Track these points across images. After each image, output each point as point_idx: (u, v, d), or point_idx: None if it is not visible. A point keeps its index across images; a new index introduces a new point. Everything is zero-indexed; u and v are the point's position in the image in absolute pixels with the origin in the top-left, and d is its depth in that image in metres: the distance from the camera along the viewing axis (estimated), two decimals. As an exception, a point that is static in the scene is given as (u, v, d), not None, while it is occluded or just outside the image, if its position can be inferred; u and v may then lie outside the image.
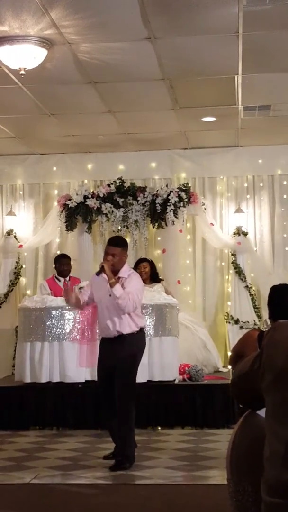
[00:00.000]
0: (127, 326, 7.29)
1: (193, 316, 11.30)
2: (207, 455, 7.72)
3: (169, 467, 7.30)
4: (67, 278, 10.73)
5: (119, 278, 7.28)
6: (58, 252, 11.89)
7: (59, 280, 10.72)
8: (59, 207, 11.67)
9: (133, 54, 7.75)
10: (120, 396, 7.23)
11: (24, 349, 9.50)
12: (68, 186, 12.33)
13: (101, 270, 7.28)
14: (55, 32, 7.08)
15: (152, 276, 10.69)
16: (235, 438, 3.36)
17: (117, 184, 11.60)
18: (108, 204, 11.48)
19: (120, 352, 7.25)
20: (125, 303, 7.15)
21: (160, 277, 10.88)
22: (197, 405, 9.22)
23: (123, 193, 11.55)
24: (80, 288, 9.86)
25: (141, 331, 7.48)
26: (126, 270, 7.42)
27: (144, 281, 10.18)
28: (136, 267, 10.42)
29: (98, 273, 7.37)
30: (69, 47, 7.52)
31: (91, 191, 11.69)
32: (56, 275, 10.83)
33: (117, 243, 7.46)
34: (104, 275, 7.29)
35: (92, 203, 11.46)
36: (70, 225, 11.59)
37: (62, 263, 10.84)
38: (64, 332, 9.41)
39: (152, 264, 10.80)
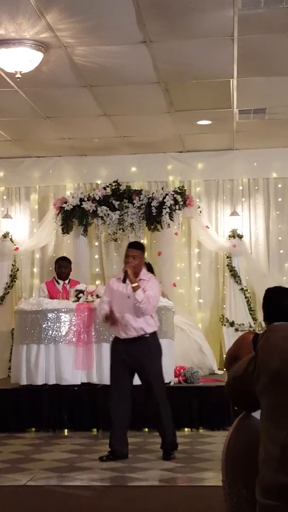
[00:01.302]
0: (150, 325, 7.65)
1: (189, 319, 11.31)
2: (203, 457, 7.73)
3: (165, 469, 7.30)
4: (67, 281, 10.74)
5: (140, 280, 7.60)
6: (54, 255, 11.90)
7: (58, 283, 10.72)
8: (55, 210, 11.68)
9: (129, 57, 7.77)
10: (157, 396, 7.63)
11: (20, 351, 9.50)
12: (64, 189, 12.32)
13: (125, 275, 7.57)
14: (51, 35, 7.10)
15: None
16: (230, 440, 3.38)
17: (113, 187, 11.61)
18: (104, 207, 11.49)
19: (146, 352, 7.60)
20: (145, 307, 7.49)
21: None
22: (192, 407, 9.23)
23: (119, 196, 11.56)
24: (76, 291, 9.90)
25: (156, 332, 7.84)
26: (145, 273, 7.80)
27: None
28: None
29: (124, 280, 7.62)
30: (64, 51, 7.54)
31: (87, 194, 11.70)
32: (56, 278, 10.84)
33: (137, 246, 7.88)
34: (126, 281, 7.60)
35: (88, 206, 11.47)
36: (66, 228, 11.60)
37: (61, 265, 10.85)
38: (60, 334, 9.41)
39: (149, 267, 10.79)
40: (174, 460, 7.64)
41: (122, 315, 7.60)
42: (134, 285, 7.51)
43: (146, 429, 9.03)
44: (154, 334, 7.73)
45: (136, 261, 7.64)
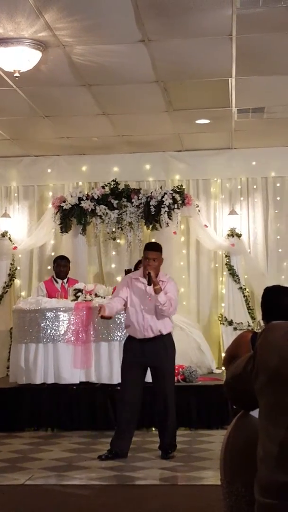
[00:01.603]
0: (167, 326, 7.77)
1: (188, 318, 11.31)
2: (201, 456, 7.74)
3: (164, 467, 7.32)
4: (65, 280, 10.74)
5: (159, 281, 7.65)
6: (53, 254, 11.90)
7: (57, 282, 10.72)
8: (54, 209, 11.68)
9: (127, 56, 7.76)
10: (167, 395, 7.73)
11: (19, 350, 9.51)
12: (62, 188, 12.32)
13: (149, 278, 7.59)
14: (50, 34, 7.10)
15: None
16: (228, 439, 3.38)
17: (112, 186, 11.61)
18: (103, 206, 11.48)
19: (163, 353, 7.73)
20: (168, 309, 7.61)
21: None
22: (191, 406, 9.24)
23: (117, 195, 11.55)
24: (75, 289, 9.90)
25: (171, 333, 7.97)
26: (163, 274, 7.87)
27: None
28: (136, 267, 10.45)
29: (149, 283, 7.63)
30: (63, 50, 7.53)
31: (86, 193, 11.69)
32: (54, 277, 10.84)
33: (156, 248, 7.89)
34: (143, 279, 7.69)
35: (86, 205, 11.47)
36: (64, 227, 11.60)
37: (59, 264, 10.85)
38: (58, 333, 9.42)
39: None
40: (173, 459, 7.65)
41: (141, 316, 7.67)
42: (157, 287, 7.57)
43: (146, 428, 9.02)
44: (169, 335, 7.85)
45: (156, 263, 7.68)
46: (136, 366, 7.70)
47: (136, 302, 7.73)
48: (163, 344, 7.73)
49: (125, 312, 7.97)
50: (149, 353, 7.66)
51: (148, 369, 7.83)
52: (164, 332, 7.72)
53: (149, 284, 7.62)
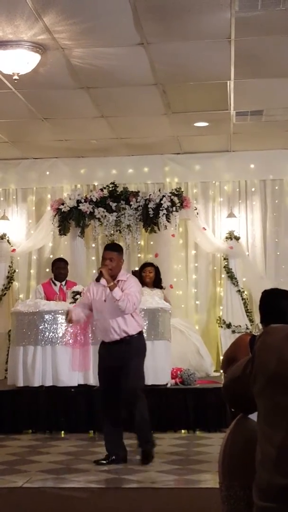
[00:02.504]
0: (131, 326, 7.55)
1: (187, 321, 11.31)
2: (200, 459, 7.73)
3: (162, 471, 7.30)
4: (64, 282, 10.74)
5: (118, 281, 7.53)
6: (51, 257, 11.90)
7: (55, 284, 10.72)
8: (52, 212, 11.68)
9: (126, 59, 7.78)
10: (133, 394, 7.48)
11: (17, 353, 9.50)
12: (61, 190, 12.33)
13: (100, 275, 7.54)
14: (48, 37, 7.11)
15: (155, 281, 10.63)
16: (227, 442, 3.38)
17: (110, 189, 11.61)
18: (101, 209, 11.48)
19: (126, 353, 7.47)
20: (125, 305, 7.39)
21: (163, 285, 10.79)
22: (189, 409, 9.23)
23: (116, 198, 11.56)
24: (73, 292, 9.90)
25: (142, 333, 7.75)
26: (124, 274, 7.73)
27: (147, 285, 10.23)
28: (141, 270, 10.45)
29: (98, 279, 7.62)
30: (62, 52, 7.54)
31: (84, 195, 11.69)
32: (53, 279, 10.84)
33: (113, 248, 7.79)
34: (103, 281, 7.53)
35: (85, 207, 11.47)
36: (63, 229, 11.60)
37: (58, 266, 10.85)
38: (57, 336, 9.41)
39: (157, 270, 10.76)
40: (166, 463, 7.60)
41: (103, 319, 7.55)
42: (109, 284, 7.43)
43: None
44: (138, 335, 7.63)
45: (113, 263, 7.55)
46: (107, 371, 7.57)
47: (97, 306, 7.63)
48: (128, 346, 7.50)
49: None
50: (115, 356, 7.49)
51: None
52: (130, 333, 7.52)
53: (97, 279, 7.62)
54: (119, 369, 7.47)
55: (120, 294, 7.40)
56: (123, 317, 7.48)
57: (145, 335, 9.08)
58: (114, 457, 7.58)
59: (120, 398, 7.55)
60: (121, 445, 7.69)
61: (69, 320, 7.77)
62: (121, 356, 7.45)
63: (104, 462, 7.53)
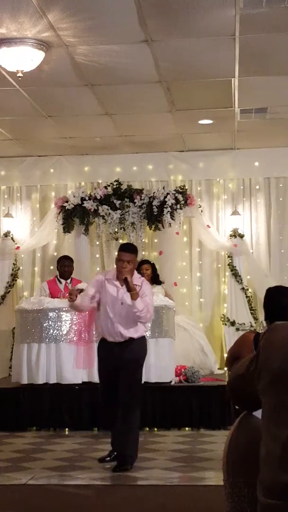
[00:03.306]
0: (138, 331, 7.40)
1: (191, 319, 11.32)
2: (203, 457, 7.73)
3: (166, 468, 7.31)
4: (69, 280, 10.74)
5: (135, 286, 7.24)
6: (55, 254, 11.91)
7: (60, 282, 10.73)
8: (56, 209, 11.69)
9: (130, 56, 7.77)
10: (126, 398, 7.26)
11: (21, 350, 9.51)
12: (65, 188, 12.34)
13: (126, 283, 7.19)
14: (53, 34, 7.10)
15: (153, 278, 10.65)
16: (231, 439, 3.38)
17: (114, 186, 11.62)
18: (105, 206, 11.49)
19: (128, 354, 7.30)
20: (145, 315, 7.25)
21: (161, 280, 10.82)
22: (193, 407, 9.24)
23: (120, 195, 11.56)
24: (78, 289, 9.89)
25: (144, 336, 7.61)
26: (136, 277, 7.45)
27: None
28: (138, 268, 10.44)
29: (128, 289, 7.19)
30: (66, 50, 7.54)
31: (88, 193, 11.70)
32: (58, 277, 10.84)
33: (131, 250, 7.45)
34: (116, 281, 7.33)
35: (89, 205, 11.48)
36: (67, 227, 11.61)
37: (63, 264, 10.85)
38: (61, 333, 9.42)
39: (153, 266, 10.78)
40: (170, 460, 7.61)
41: (111, 321, 7.34)
42: (134, 293, 7.17)
43: (147, 428, 9.01)
44: (142, 338, 7.49)
45: (130, 265, 7.27)
46: (109, 371, 7.45)
47: (109, 305, 7.38)
48: (131, 346, 7.35)
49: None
50: (117, 356, 7.34)
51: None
52: (135, 337, 7.37)
53: (128, 290, 7.21)
54: (118, 368, 7.33)
55: (143, 306, 7.18)
56: (134, 322, 7.32)
57: (149, 333, 9.16)
58: (116, 452, 7.56)
59: (117, 397, 7.39)
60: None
61: (70, 298, 7.43)
62: (121, 356, 7.31)
63: (108, 459, 7.51)
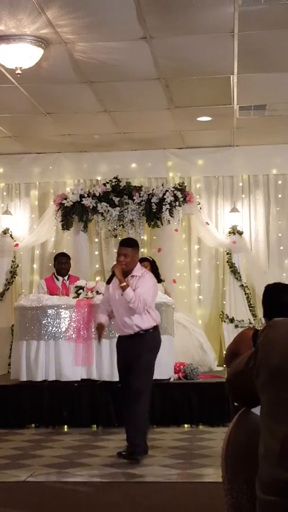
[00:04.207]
0: (146, 321, 7.54)
1: (190, 316, 11.32)
2: (203, 453, 7.74)
3: (165, 465, 7.31)
4: (66, 277, 10.74)
5: (133, 276, 7.52)
6: (54, 251, 11.91)
7: (58, 279, 10.73)
8: (55, 206, 11.68)
9: (129, 53, 7.77)
10: (134, 390, 7.44)
11: (20, 347, 9.51)
12: (64, 185, 12.33)
13: (113, 274, 7.56)
14: (51, 31, 7.10)
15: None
16: (230, 436, 3.38)
17: (113, 184, 11.61)
18: (104, 203, 11.48)
19: (138, 346, 7.49)
20: (136, 306, 7.40)
21: (161, 278, 10.80)
22: (192, 404, 9.24)
23: (118, 193, 11.55)
24: (76, 287, 9.90)
25: (157, 328, 7.72)
26: (139, 269, 7.69)
27: None
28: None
29: (108, 281, 7.68)
30: (65, 47, 7.53)
31: (87, 190, 11.70)
32: (55, 274, 10.84)
33: (128, 244, 7.72)
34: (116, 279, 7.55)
35: (88, 202, 11.47)
36: (66, 224, 11.60)
37: (60, 261, 10.85)
38: (60, 330, 9.42)
39: (153, 264, 10.75)
40: (169, 457, 7.62)
41: (118, 315, 7.59)
42: (122, 284, 7.43)
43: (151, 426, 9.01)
44: (153, 329, 7.62)
45: (127, 259, 7.53)
46: (123, 364, 7.65)
47: (113, 301, 7.67)
48: (141, 341, 7.52)
49: None
50: (128, 350, 7.55)
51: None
52: (144, 327, 7.52)
53: (107, 282, 7.68)
54: (131, 363, 7.53)
55: (132, 295, 7.38)
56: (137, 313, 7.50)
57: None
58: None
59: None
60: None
61: (99, 335, 7.85)
62: (133, 350, 7.51)
63: (124, 453, 7.55)
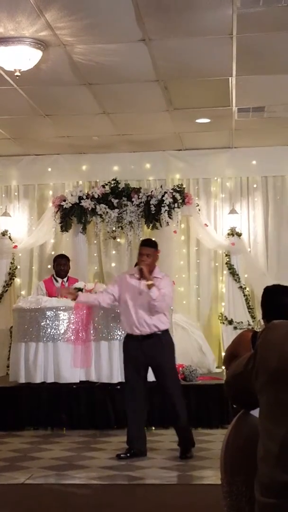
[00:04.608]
0: (162, 322, 7.71)
1: (188, 318, 11.32)
2: (201, 455, 7.74)
3: (163, 467, 7.32)
4: (65, 279, 10.74)
5: (154, 278, 7.66)
6: (53, 253, 11.90)
7: (57, 281, 10.73)
8: (54, 208, 11.68)
9: (128, 55, 7.77)
10: (172, 393, 7.70)
11: (19, 349, 9.51)
12: (62, 187, 12.33)
13: (140, 272, 7.67)
14: (50, 33, 7.10)
15: None
16: (228, 438, 3.38)
17: (112, 185, 11.60)
18: (103, 205, 11.48)
19: (159, 349, 7.66)
20: (160, 305, 7.58)
21: None
22: (191, 405, 9.22)
23: (117, 194, 11.55)
24: (75, 288, 9.90)
25: (168, 330, 7.90)
26: (159, 271, 7.86)
27: None
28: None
29: (140, 277, 7.72)
30: (64, 49, 7.53)
31: (86, 192, 11.69)
32: (54, 276, 10.84)
33: (150, 244, 7.94)
34: (137, 276, 7.71)
35: (86, 204, 11.47)
36: (64, 226, 11.60)
37: (59, 263, 10.86)
38: (58, 332, 9.42)
39: None
40: (168, 459, 7.63)
41: (134, 312, 7.66)
42: (149, 283, 7.58)
43: (145, 427, 9.01)
44: (166, 331, 7.80)
45: (149, 259, 7.72)
46: (135, 363, 7.71)
47: (128, 298, 7.74)
48: (160, 342, 7.69)
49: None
50: (146, 351, 7.65)
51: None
52: (161, 328, 7.69)
53: (139, 278, 7.71)
54: (147, 364, 7.69)
55: (157, 294, 7.55)
56: (155, 312, 7.64)
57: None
58: (134, 450, 7.64)
59: (145, 392, 7.77)
60: (142, 438, 7.74)
61: (71, 297, 8.01)
62: (152, 352, 7.63)
63: (123, 456, 7.60)
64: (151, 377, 9.06)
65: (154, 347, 7.63)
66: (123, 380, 8.95)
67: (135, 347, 7.72)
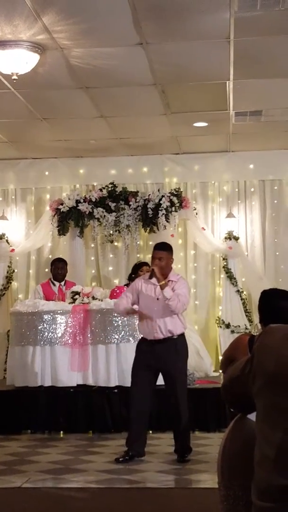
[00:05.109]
0: (177, 327, 7.71)
1: (187, 322, 11.30)
2: (199, 459, 7.73)
3: (161, 471, 7.31)
4: (63, 283, 10.74)
5: (169, 281, 7.67)
6: (50, 257, 11.89)
7: (54, 285, 10.72)
8: (51, 212, 11.67)
9: (125, 59, 7.77)
10: (179, 398, 7.70)
11: (16, 353, 9.51)
12: (60, 190, 12.32)
13: (152, 274, 7.67)
14: (47, 37, 7.10)
15: None
16: (225, 442, 3.38)
17: (109, 189, 11.61)
18: (100, 209, 11.48)
19: (174, 357, 7.68)
20: (175, 304, 7.55)
21: None
22: (188, 409, 9.22)
23: (115, 198, 11.55)
24: (72, 292, 9.90)
25: (184, 334, 7.91)
26: (174, 274, 7.89)
27: None
28: (138, 270, 10.40)
29: (150, 277, 7.74)
30: (61, 52, 7.54)
31: (83, 195, 11.69)
32: (52, 279, 10.84)
33: (163, 247, 7.90)
34: (154, 280, 7.68)
35: (84, 207, 11.47)
36: (62, 229, 11.59)
37: (57, 266, 10.86)
38: (56, 336, 9.41)
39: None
40: (165, 463, 7.63)
41: (151, 318, 7.65)
42: (161, 283, 7.57)
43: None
44: (182, 336, 7.81)
45: (162, 262, 7.70)
46: (145, 366, 7.71)
47: (146, 303, 7.73)
48: (174, 346, 7.69)
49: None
50: (158, 355, 7.65)
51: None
52: (176, 333, 7.69)
53: (150, 277, 7.70)
54: (160, 367, 7.68)
55: (171, 294, 7.54)
56: (171, 316, 7.64)
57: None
58: (132, 453, 7.64)
59: (151, 396, 7.79)
60: (142, 440, 7.74)
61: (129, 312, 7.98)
62: (165, 356, 7.63)
63: (121, 460, 7.59)
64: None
65: (168, 352, 7.63)
66: (120, 384, 8.99)
67: (148, 350, 7.73)
